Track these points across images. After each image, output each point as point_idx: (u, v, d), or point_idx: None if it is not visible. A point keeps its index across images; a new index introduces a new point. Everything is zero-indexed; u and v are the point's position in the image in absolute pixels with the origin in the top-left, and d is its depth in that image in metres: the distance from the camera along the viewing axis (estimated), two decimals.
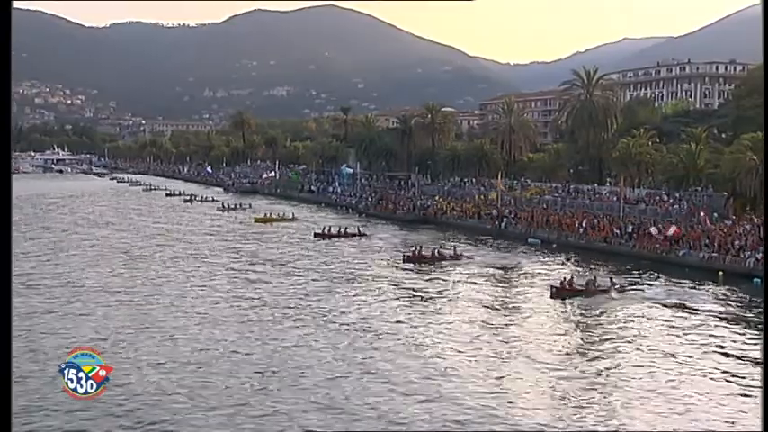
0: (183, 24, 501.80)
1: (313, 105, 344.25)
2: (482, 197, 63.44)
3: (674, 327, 26.85)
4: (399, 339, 24.65)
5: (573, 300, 30.84)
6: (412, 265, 39.90)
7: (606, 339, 25.25)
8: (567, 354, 23.27)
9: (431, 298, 31.90)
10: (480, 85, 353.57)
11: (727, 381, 20.53)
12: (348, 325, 26.44)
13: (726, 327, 26.78)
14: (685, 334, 25.86)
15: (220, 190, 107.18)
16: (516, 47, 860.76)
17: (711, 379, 20.78)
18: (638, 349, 23.88)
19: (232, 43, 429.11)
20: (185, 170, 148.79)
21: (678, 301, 30.76)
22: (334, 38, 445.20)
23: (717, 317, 28.35)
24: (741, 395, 19.21)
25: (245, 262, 41.71)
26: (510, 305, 30.93)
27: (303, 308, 29.30)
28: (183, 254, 44.62)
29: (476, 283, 35.24)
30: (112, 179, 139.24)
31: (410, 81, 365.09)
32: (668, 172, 54.54)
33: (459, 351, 23.30)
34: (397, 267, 39.66)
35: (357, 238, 51.88)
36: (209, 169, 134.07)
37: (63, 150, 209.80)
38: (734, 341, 24.64)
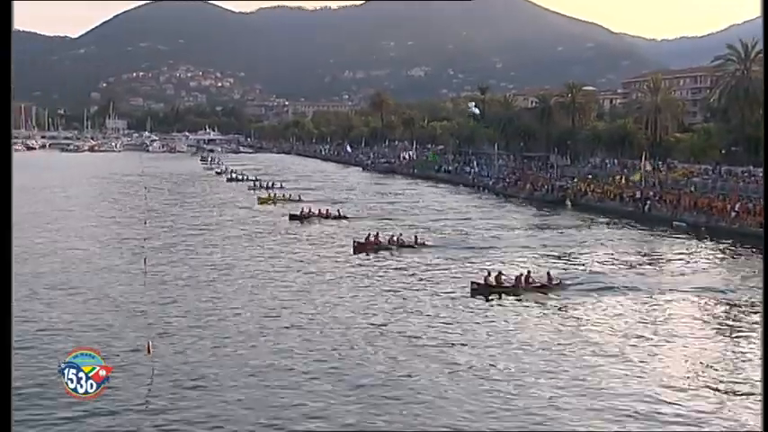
0: (325, 7, 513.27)
1: (451, 85, 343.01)
2: (624, 179, 61.38)
3: None
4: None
5: (502, 298, 26.92)
6: (363, 255, 35.71)
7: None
8: None
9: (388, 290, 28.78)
10: (624, 62, 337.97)
11: None
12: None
13: None
14: None
15: (359, 169, 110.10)
16: (664, 21, 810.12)
17: None
18: None
19: (371, 25, 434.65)
20: (326, 150, 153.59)
21: None
22: (472, 17, 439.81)
23: None
24: None
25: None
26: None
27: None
28: None
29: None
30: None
31: (550, 60, 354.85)
32: None
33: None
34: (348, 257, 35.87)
35: (336, 220, 48.34)
36: (348, 149, 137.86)
37: (213, 131, 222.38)
38: None
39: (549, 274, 28.66)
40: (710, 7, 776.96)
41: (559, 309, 25.91)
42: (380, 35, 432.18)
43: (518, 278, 27.93)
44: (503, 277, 27.95)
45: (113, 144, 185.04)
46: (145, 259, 30.49)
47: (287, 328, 23.11)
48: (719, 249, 39.78)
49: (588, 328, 23.49)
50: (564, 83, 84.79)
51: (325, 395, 17.37)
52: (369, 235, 37.92)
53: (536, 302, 26.45)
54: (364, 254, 35.88)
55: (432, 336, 22.37)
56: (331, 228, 45.76)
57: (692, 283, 30.14)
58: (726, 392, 18.00)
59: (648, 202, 53.21)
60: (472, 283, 27.95)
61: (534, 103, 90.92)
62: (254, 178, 78.10)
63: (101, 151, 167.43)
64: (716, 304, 27.21)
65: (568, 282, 29.14)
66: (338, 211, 50.45)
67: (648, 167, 59.50)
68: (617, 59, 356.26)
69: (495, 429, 15.70)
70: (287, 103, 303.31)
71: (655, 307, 26.61)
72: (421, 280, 30.58)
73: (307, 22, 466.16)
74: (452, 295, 27.58)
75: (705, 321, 25.11)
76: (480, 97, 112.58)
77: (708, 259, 37.12)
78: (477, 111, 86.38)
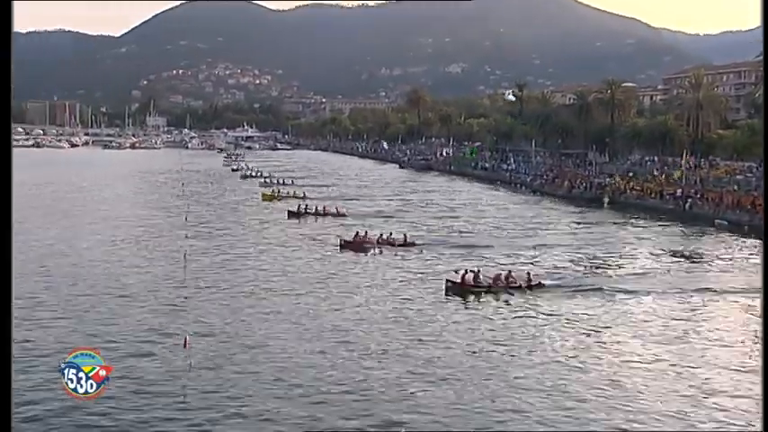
0: (363, 5, 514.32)
1: (488, 82, 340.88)
2: (665, 176, 60.47)
3: None
4: None
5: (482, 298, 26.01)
6: (351, 253, 34.81)
7: None
8: None
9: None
10: (665, 58, 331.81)
11: None
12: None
13: None
14: None
15: (396, 166, 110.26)
16: (706, 15, 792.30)
17: None
18: None
19: (408, 21, 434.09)
20: (362, 147, 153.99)
21: None
22: (509, 14, 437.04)
23: None
24: None
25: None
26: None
27: None
28: None
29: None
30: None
31: (589, 56, 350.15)
32: None
33: None
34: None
35: (336, 218, 47.41)
36: (385, 146, 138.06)
37: (251, 128, 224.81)
38: None
39: (528, 274, 27.80)
40: (755, 0, 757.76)
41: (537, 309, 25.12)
42: (417, 32, 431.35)
43: (496, 277, 27.07)
44: (480, 276, 26.98)
45: (154, 141, 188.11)
46: (185, 255, 30.90)
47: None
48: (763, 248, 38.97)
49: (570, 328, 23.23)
50: (603, 79, 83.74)
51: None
52: (357, 234, 37.01)
53: (506, 302, 25.70)
54: (351, 252, 35.12)
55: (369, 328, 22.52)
56: (327, 225, 44.99)
57: (732, 283, 29.56)
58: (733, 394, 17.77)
59: (689, 200, 52.41)
60: (447, 281, 27.12)
61: (572, 100, 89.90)
62: (266, 175, 78.39)
63: (141, 148, 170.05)
64: (753, 306, 26.17)
65: (596, 283, 28.66)
66: (336, 208, 49.60)
67: (689, 165, 58.53)
68: (658, 55, 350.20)
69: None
70: (324, 100, 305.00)
71: (682, 307, 26.13)
72: (396, 279, 29.87)
73: (344, 20, 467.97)
74: (426, 294, 26.94)
75: (741, 323, 24.52)
76: (518, 93, 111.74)
77: (750, 258, 36.37)
78: (512, 98, 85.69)
